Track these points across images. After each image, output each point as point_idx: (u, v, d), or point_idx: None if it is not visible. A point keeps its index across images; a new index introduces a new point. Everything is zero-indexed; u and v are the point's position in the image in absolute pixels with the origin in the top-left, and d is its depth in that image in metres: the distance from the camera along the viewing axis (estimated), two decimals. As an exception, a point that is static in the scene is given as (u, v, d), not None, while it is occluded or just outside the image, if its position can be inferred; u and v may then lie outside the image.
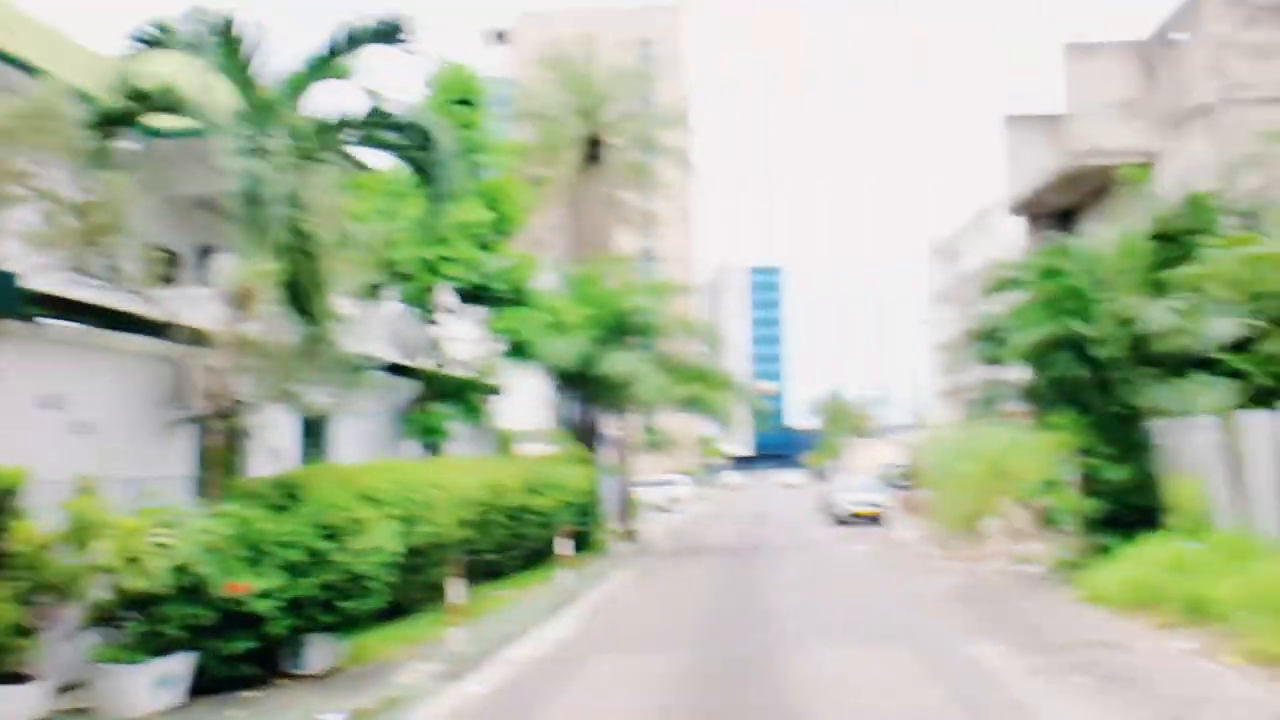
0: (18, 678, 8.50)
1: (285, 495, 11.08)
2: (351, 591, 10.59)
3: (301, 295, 11.57)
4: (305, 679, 10.43)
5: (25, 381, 10.85)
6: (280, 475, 11.59)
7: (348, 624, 10.81)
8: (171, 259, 16.78)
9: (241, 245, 10.43)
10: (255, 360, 11.74)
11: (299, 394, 12.35)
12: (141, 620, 9.02)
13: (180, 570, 9.09)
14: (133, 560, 8.62)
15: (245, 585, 9.62)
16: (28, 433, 10.64)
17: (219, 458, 10.79)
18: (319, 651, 10.65)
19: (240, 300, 10.77)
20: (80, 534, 8.60)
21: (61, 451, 10.60)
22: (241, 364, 11.77)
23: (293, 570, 10.20)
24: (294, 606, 10.19)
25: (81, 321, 11.51)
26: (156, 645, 9.10)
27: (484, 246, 19.52)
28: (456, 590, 11.29)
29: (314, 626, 10.46)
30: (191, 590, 9.29)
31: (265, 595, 9.87)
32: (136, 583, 8.55)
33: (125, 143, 13.61)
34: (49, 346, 11.17)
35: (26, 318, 10.62)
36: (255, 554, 10.20)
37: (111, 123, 10.86)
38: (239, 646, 9.74)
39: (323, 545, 10.38)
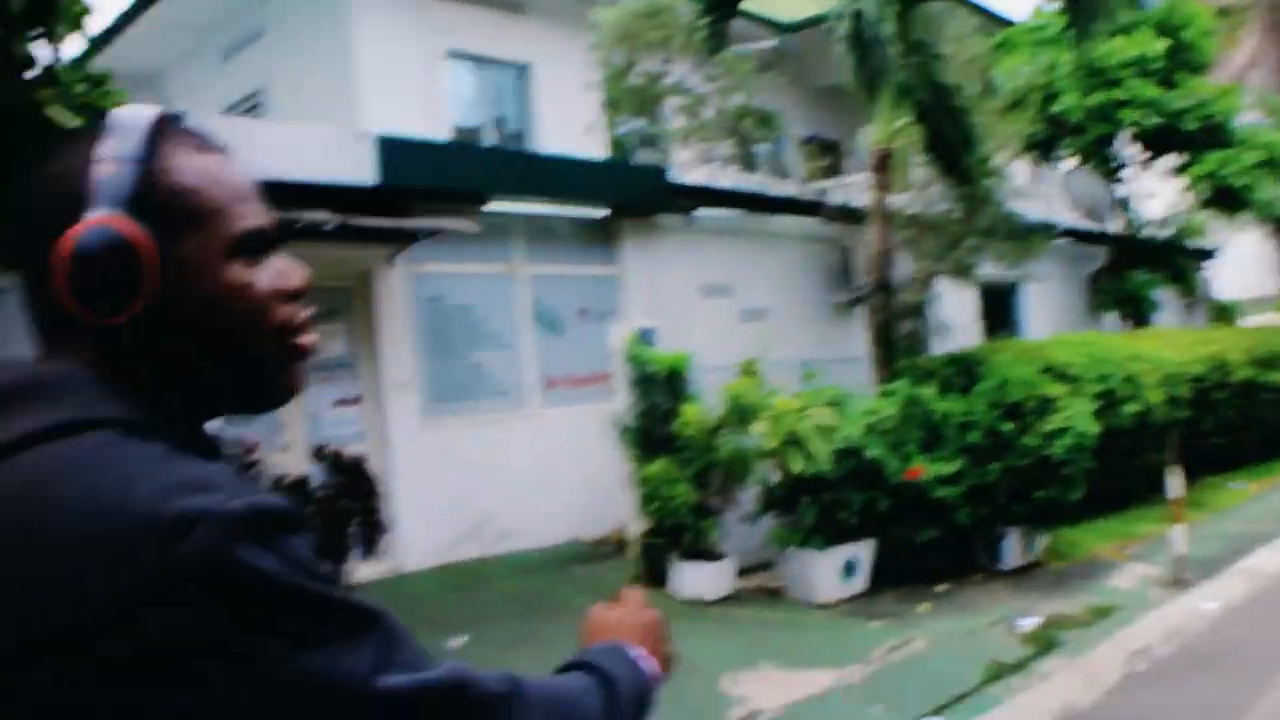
0: (707, 555, 8.40)
1: (961, 373, 9.91)
2: (1043, 480, 9.13)
3: (950, 156, 10.22)
4: (999, 575, 9.21)
5: (690, 272, 10.90)
6: (956, 352, 10.43)
7: (1043, 516, 9.36)
8: (828, 148, 16.41)
9: (865, 100, 9.36)
10: (914, 232, 10.70)
11: (968, 265, 11.09)
12: (815, 505, 8.43)
13: (846, 453, 8.33)
14: (793, 443, 8.01)
15: (919, 469, 8.63)
16: (696, 321, 10.67)
17: (886, 336, 9.93)
18: (1013, 546, 9.37)
19: (881, 165, 9.72)
20: (740, 416, 8.18)
21: (730, 338, 10.47)
22: (902, 238, 10.81)
23: (973, 455, 9.02)
24: (978, 495, 9.02)
25: (738, 209, 11.33)
26: (833, 531, 8.47)
27: (1165, 83, 16.46)
28: (1175, 481, 9.28)
29: (1004, 518, 9.20)
30: (864, 475, 8.52)
31: (944, 481, 8.81)
32: (797, 465, 7.92)
33: (760, 44, 13.35)
34: (710, 237, 11.12)
35: (683, 210, 10.61)
36: (930, 436, 9.21)
37: (719, 6, 10.33)
38: (924, 536, 8.81)
39: (1005, 427, 9.03)
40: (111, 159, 0.94)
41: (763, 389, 8.71)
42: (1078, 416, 9.34)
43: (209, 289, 0.96)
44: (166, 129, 0.99)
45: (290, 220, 8.08)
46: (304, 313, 1.05)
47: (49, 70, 6.39)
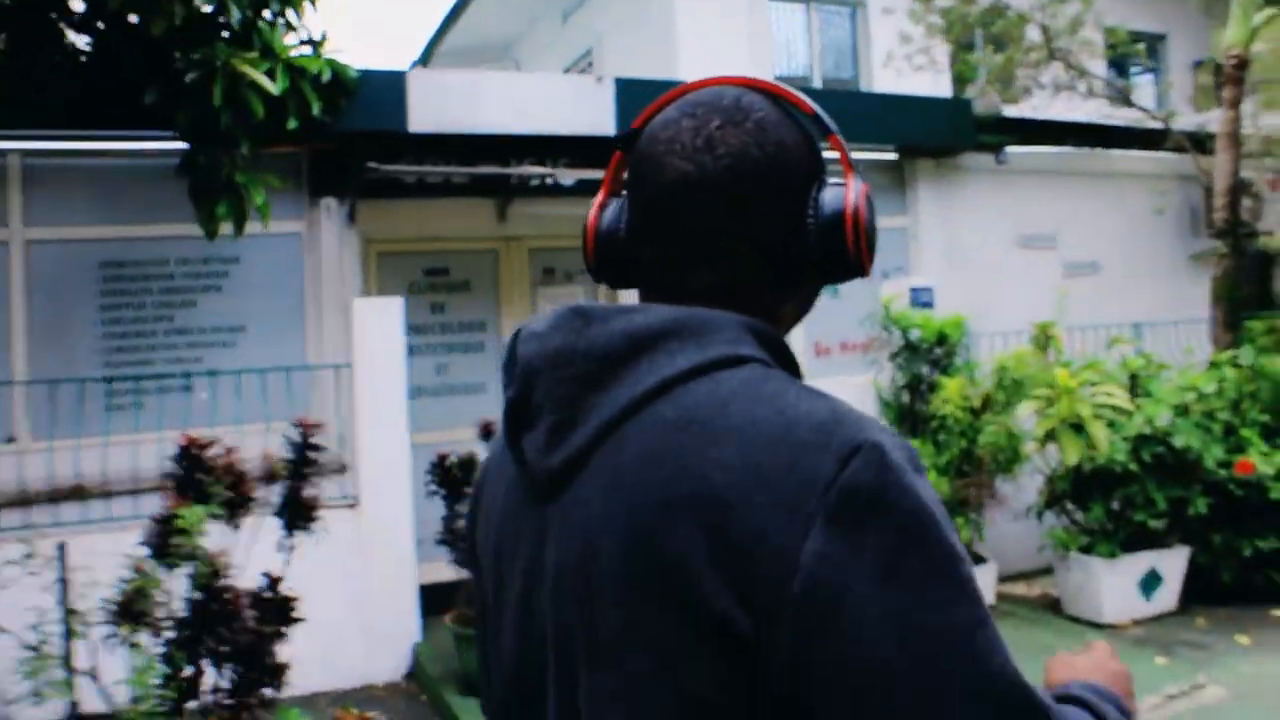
0: (969, 559, 7.24)
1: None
2: None
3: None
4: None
5: (1001, 221, 9.47)
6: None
7: None
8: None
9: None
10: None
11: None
12: (1104, 502, 6.99)
13: (1148, 440, 6.80)
14: (1074, 426, 6.63)
15: (1249, 463, 6.92)
16: (1008, 278, 9.28)
17: (1231, 291, 8.08)
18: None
19: (1235, 76, 7.78)
20: (1010, 393, 6.89)
21: (1051, 297, 9.05)
22: (1272, 167, 8.77)
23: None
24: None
25: (1062, 145, 9.68)
26: (1130, 535, 7.00)
27: None
28: None
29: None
30: (1172, 466, 6.96)
31: (1287, 478, 7.04)
32: (1073, 455, 6.53)
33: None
34: (1029, 179, 9.60)
35: (991, 148, 9.20)
36: (1276, 418, 7.40)
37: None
38: (1259, 546, 7.09)
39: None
40: (837, 133, 1.08)
41: (1048, 359, 7.35)
42: None
43: None
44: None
45: (522, 176, 7.80)
46: None
47: (249, 35, 6.46)
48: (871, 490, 0.84)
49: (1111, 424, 6.75)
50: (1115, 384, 6.83)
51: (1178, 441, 6.72)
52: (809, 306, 1.13)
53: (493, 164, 7.73)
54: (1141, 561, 6.99)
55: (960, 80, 10.87)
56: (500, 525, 1.06)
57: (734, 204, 1.01)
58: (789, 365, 1.02)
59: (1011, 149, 9.28)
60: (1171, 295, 10.12)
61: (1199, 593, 7.32)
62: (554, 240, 8.38)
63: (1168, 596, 7.13)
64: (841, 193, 1.04)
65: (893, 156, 9.02)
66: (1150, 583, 7.04)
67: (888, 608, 0.82)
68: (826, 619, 0.82)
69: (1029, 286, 9.25)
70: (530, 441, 1.00)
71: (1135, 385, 7.18)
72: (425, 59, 16.55)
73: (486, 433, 6.14)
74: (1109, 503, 6.93)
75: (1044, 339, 7.54)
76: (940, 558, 0.84)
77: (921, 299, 7.90)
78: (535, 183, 8.06)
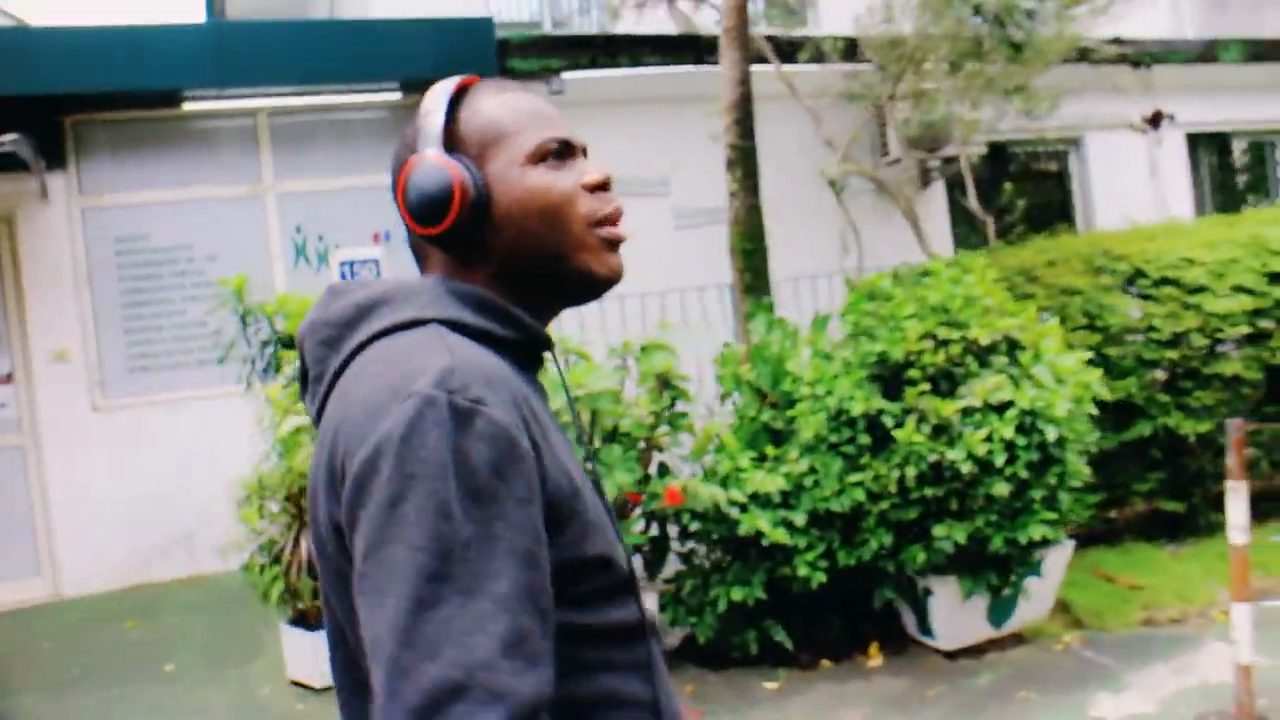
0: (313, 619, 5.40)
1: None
2: (957, 504, 4.97)
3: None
4: (930, 657, 5.30)
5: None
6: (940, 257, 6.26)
7: (994, 563, 5.17)
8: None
9: None
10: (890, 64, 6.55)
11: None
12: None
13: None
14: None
15: (675, 490, 4.95)
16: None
17: (742, 241, 6.09)
18: (949, 607, 5.32)
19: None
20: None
21: (661, 256, 7.19)
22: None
23: (823, 455, 5.11)
24: (849, 526, 5.15)
25: (640, 66, 7.65)
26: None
27: None
28: (1239, 508, 4.53)
29: (907, 565, 5.18)
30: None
31: (766, 503, 5.06)
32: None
33: None
34: (616, 110, 7.61)
35: (534, 75, 7.25)
36: (781, 418, 5.42)
37: None
38: (740, 595, 5.12)
39: (860, 408, 4.97)
40: (431, 112, 1.20)
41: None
42: (1038, 389, 4.99)
43: (516, 193, 1.19)
44: (471, 85, 1.24)
45: None
46: (610, 205, 1.22)
47: None
48: (399, 437, 0.96)
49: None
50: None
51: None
52: (516, 262, 1.19)
53: None
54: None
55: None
56: None
57: (393, 183, 1.21)
58: (499, 317, 1.15)
59: (582, 75, 7.31)
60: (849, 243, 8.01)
61: (695, 655, 5.43)
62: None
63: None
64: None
65: (396, 97, 7.12)
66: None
67: (371, 540, 0.95)
68: (351, 544, 0.99)
69: (627, 245, 7.30)
70: (306, 396, 1.20)
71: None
72: (212, 11, 15.02)
73: None
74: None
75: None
76: (419, 513, 0.94)
77: (353, 272, 6.01)
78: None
